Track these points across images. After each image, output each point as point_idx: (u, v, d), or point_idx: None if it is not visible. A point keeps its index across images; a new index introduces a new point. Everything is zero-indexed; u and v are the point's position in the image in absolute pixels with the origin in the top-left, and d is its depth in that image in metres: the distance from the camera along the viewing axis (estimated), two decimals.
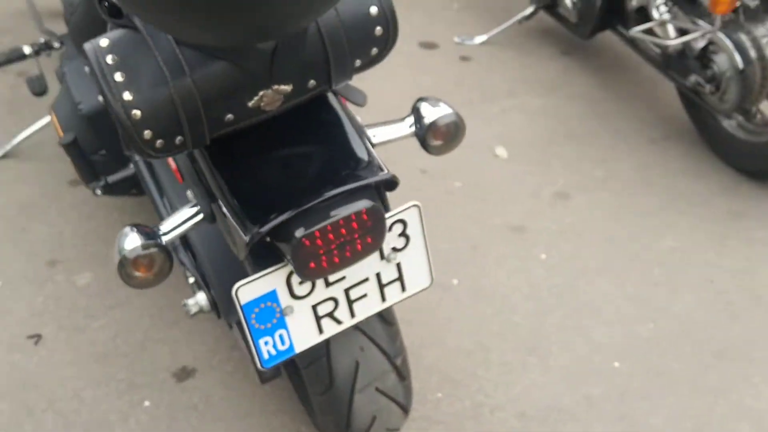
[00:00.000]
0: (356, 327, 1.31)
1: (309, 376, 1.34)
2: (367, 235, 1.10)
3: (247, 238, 1.09)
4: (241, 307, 1.15)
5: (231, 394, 1.82)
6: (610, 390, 1.86)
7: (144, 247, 1.12)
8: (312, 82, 1.10)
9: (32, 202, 2.34)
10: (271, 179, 1.13)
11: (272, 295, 1.17)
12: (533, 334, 1.99)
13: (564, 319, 2.03)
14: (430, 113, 1.26)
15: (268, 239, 1.10)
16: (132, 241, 1.13)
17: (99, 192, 1.81)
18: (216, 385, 1.84)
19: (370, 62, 1.14)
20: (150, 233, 1.15)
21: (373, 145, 1.24)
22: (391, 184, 1.18)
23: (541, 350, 1.95)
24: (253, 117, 1.09)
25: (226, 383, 1.84)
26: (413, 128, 1.28)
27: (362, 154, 1.16)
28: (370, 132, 1.26)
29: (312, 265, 1.09)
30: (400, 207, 1.21)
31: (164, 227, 1.18)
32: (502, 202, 2.41)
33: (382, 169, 1.15)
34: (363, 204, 1.09)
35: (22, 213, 2.31)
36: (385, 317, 1.34)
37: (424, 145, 1.28)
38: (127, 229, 1.16)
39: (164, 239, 1.16)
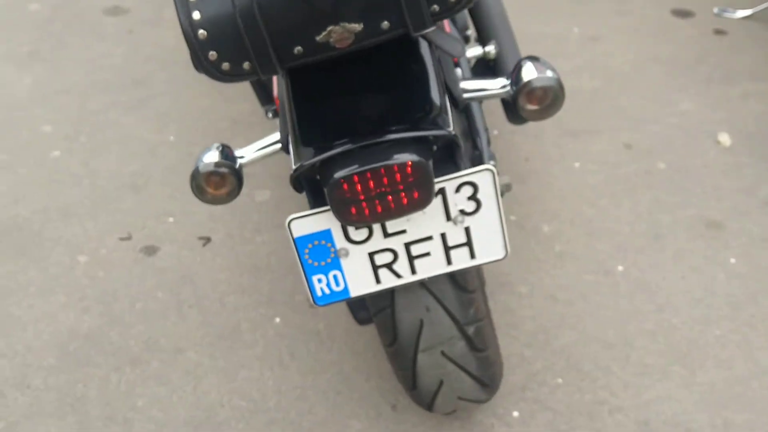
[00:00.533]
0: (423, 285, 1.26)
1: (377, 324, 1.32)
2: (413, 190, 1.05)
3: (292, 171, 1.09)
4: (293, 239, 1.16)
5: (353, 329, 1.85)
6: (757, 421, 1.63)
7: (217, 165, 1.16)
8: (385, 24, 1.05)
9: (242, 119, 2.52)
10: (335, 117, 1.11)
11: (327, 234, 1.16)
12: (689, 342, 1.79)
13: (730, 334, 1.80)
14: (530, 73, 1.16)
15: (318, 177, 1.10)
16: (210, 157, 1.17)
17: (270, 115, 1.90)
18: (342, 318, 1.88)
19: (449, 9, 1.06)
20: (229, 155, 1.19)
21: (460, 102, 1.18)
22: (452, 143, 1.10)
23: (692, 361, 1.76)
24: (323, 52, 1.07)
25: (352, 318, 1.88)
26: (507, 88, 1.19)
27: (434, 107, 1.10)
28: (463, 85, 1.19)
29: (353, 210, 1.06)
30: (472, 168, 1.14)
31: (242, 152, 1.21)
32: (706, 193, 2.17)
33: (449, 126, 1.08)
34: (408, 156, 1.04)
35: (231, 127, 2.49)
36: (459, 282, 1.27)
37: (516, 106, 1.18)
38: (214, 146, 1.21)
39: (239, 162, 1.19)
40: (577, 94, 2.62)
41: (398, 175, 1.04)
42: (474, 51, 1.91)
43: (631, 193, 2.20)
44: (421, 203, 1.07)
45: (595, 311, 1.87)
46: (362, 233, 1.16)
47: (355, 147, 1.05)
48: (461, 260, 1.20)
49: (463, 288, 1.28)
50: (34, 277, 2.03)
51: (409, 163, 1.03)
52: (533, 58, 1.19)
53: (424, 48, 1.16)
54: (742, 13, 2.82)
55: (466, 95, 1.20)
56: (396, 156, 1.04)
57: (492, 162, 1.65)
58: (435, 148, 1.09)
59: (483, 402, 1.48)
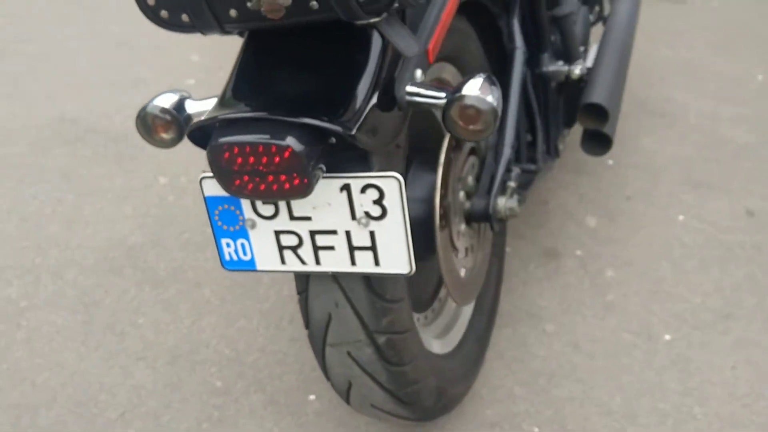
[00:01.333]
0: (335, 280, 1.22)
1: (299, 305, 1.30)
2: (294, 176, 1.01)
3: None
4: (204, 198, 1.17)
5: None
6: None
7: (163, 111, 1.18)
8: (314, 4, 1.01)
9: None
10: (260, 86, 1.09)
11: (236, 202, 1.15)
12: None
13: None
14: (472, 88, 1.07)
15: None
16: (162, 101, 1.19)
17: None
18: None
19: (379, 2, 0.99)
20: (180, 105, 1.20)
21: (400, 104, 1.11)
22: (346, 142, 1.04)
23: None
24: (257, 20, 1.04)
25: None
26: (443, 99, 1.10)
27: (351, 102, 1.04)
28: (409, 89, 1.12)
29: (237, 182, 1.04)
30: (378, 173, 1.07)
31: (191, 104, 1.21)
32: None
33: (354, 124, 1.02)
34: (291, 142, 1.00)
35: None
36: (375, 287, 1.21)
37: (444, 116, 1.09)
38: (175, 92, 1.22)
39: (187, 113, 1.20)
40: (723, 145, 2.37)
41: (277, 158, 1.01)
42: (556, 66, 1.79)
43: (726, 263, 1.96)
44: (299, 191, 1.03)
45: (613, 373, 1.71)
46: (269, 209, 1.14)
47: (244, 117, 1.02)
48: (365, 264, 1.15)
49: (379, 295, 1.21)
50: (116, 185, 2.20)
51: (289, 149, 1.00)
52: (487, 78, 1.09)
53: (374, 40, 1.10)
54: None
55: (408, 98, 1.13)
56: (280, 138, 1.00)
57: (512, 183, 1.54)
58: (333, 140, 1.04)
59: (409, 419, 1.41)
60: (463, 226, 1.48)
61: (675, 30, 3.00)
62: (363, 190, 1.09)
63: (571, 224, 2.10)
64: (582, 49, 1.89)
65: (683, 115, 2.48)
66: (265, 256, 1.18)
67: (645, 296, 1.88)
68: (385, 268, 1.14)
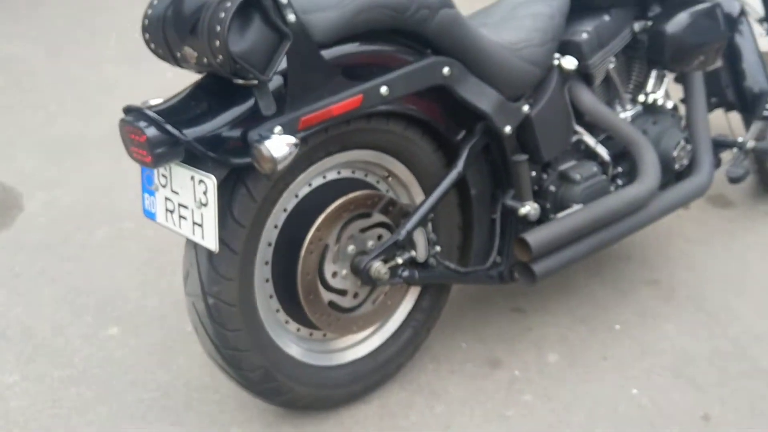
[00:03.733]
0: (194, 246, 1.75)
1: None
2: (148, 154, 1.58)
3: None
4: None
5: None
6: None
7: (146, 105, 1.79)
8: (205, 62, 1.57)
9: None
10: (179, 99, 1.67)
11: (152, 170, 1.75)
12: None
13: None
14: (272, 141, 1.56)
15: None
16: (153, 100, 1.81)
17: None
18: None
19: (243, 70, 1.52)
20: None
21: (250, 141, 1.61)
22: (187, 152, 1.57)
23: None
24: (182, 65, 1.65)
25: None
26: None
27: (208, 125, 1.58)
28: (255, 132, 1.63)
29: (132, 149, 1.63)
30: (203, 172, 1.60)
31: (155, 100, 1.79)
32: None
33: (191, 137, 1.57)
34: (149, 131, 1.55)
35: None
36: (213, 261, 1.71)
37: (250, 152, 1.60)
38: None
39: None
40: (742, 362, 2.36)
41: (142, 138, 1.57)
42: (512, 202, 2.12)
43: None
44: (149, 164, 1.58)
45: None
46: (163, 180, 1.73)
47: (144, 112, 1.61)
48: (198, 236, 1.67)
49: (214, 267, 1.72)
50: None
51: (144, 136, 1.56)
52: (291, 142, 1.58)
53: (252, 96, 1.63)
54: None
55: (253, 137, 1.62)
56: (146, 128, 1.57)
57: (398, 260, 1.93)
58: (182, 142, 1.58)
59: (237, 383, 1.86)
60: (345, 271, 1.92)
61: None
62: (199, 182, 1.63)
63: (533, 352, 2.34)
64: (573, 205, 2.18)
65: (728, 325, 2.49)
66: (161, 213, 1.77)
67: (539, 428, 2.08)
68: (206, 243, 1.67)
